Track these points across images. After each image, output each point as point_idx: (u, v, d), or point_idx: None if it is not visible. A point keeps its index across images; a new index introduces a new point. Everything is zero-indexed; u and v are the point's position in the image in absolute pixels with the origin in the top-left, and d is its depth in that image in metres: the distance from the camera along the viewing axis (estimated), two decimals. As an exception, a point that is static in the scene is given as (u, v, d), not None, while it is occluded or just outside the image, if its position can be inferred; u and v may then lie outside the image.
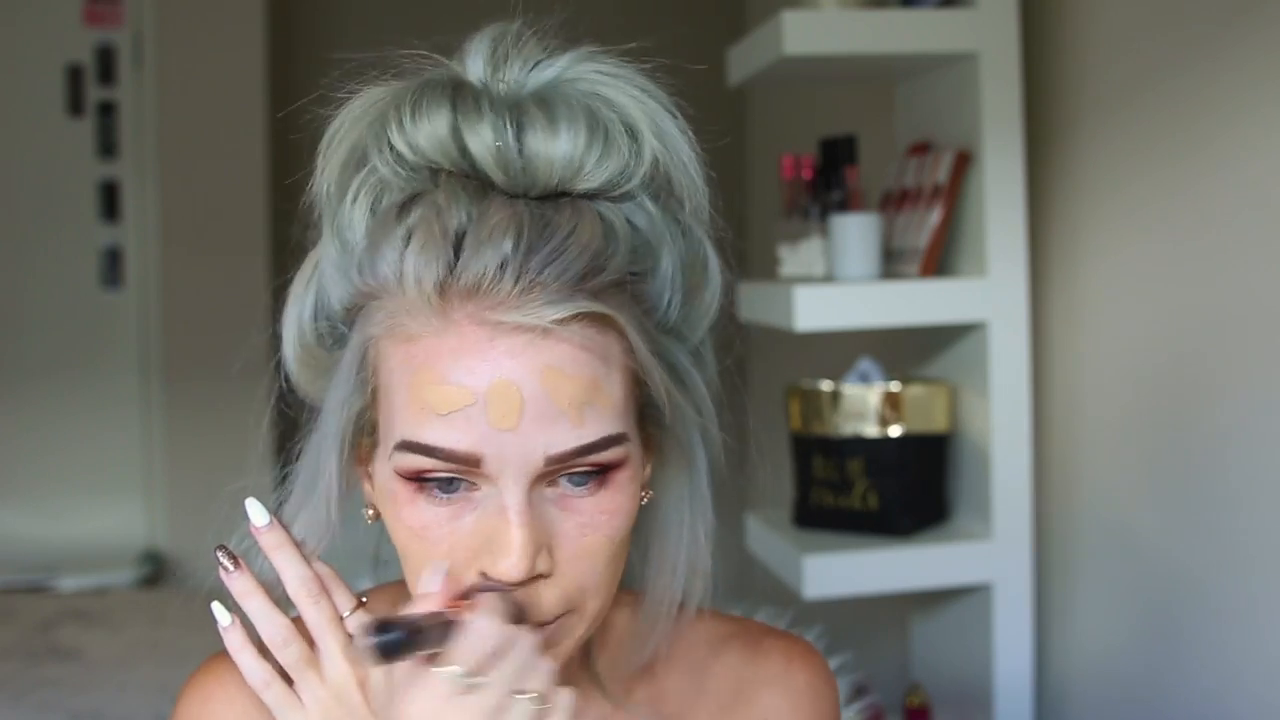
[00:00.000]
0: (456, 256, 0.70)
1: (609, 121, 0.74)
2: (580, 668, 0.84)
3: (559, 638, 0.74)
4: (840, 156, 1.86)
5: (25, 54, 3.39)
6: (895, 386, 1.82)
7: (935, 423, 1.84)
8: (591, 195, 0.74)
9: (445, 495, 0.72)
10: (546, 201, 0.73)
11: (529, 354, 0.70)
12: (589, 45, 0.77)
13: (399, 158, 0.75)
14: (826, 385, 1.85)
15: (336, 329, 0.80)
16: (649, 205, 0.76)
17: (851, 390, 1.83)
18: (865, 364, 1.88)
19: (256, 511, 0.80)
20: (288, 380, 0.84)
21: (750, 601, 1.79)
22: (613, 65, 0.76)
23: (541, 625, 0.73)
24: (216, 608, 0.77)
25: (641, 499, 0.78)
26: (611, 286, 0.73)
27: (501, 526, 0.71)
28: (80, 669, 2.38)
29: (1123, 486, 1.67)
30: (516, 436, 0.70)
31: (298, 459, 0.82)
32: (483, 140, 0.73)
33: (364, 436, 0.77)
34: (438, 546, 0.73)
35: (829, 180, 1.85)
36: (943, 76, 1.86)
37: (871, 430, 1.81)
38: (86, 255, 3.43)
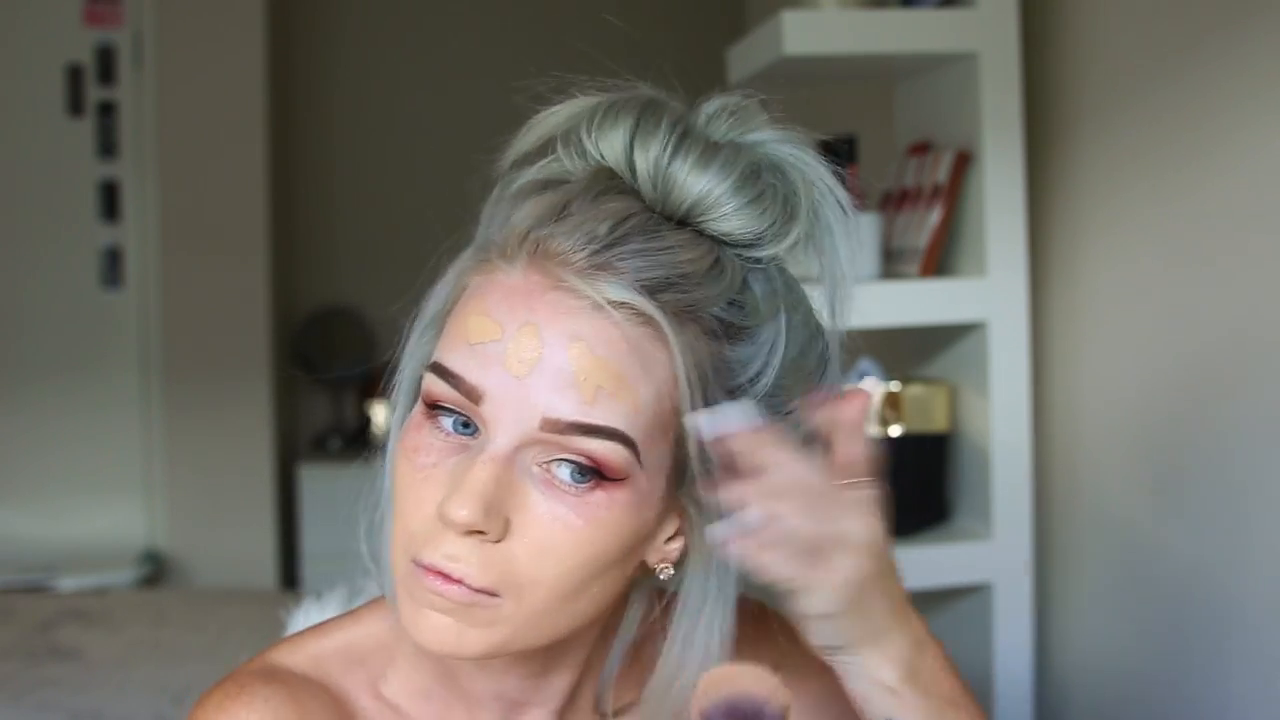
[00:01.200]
0: (556, 222, 0.73)
1: (768, 186, 0.77)
2: (574, 681, 0.83)
3: (475, 618, 0.71)
4: (840, 156, 1.86)
5: (25, 54, 3.39)
6: (895, 386, 1.82)
7: (935, 422, 1.84)
8: (721, 239, 0.76)
9: (449, 431, 0.73)
10: (673, 222, 0.76)
11: (569, 319, 0.71)
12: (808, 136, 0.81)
13: (582, 153, 0.78)
14: (826, 385, 1.85)
15: None
16: (776, 279, 0.78)
17: (851, 390, 1.83)
18: (865, 364, 1.88)
19: (723, 417, 0.73)
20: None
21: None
22: (814, 157, 0.81)
23: (458, 583, 0.71)
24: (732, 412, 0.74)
25: (659, 570, 0.77)
26: (687, 313, 0.73)
27: (468, 471, 0.71)
28: (80, 669, 2.37)
29: (1123, 486, 1.68)
30: (521, 387, 0.70)
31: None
32: (646, 152, 0.76)
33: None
34: (421, 474, 0.73)
35: (829, 180, 1.85)
36: (943, 76, 1.87)
37: (871, 430, 1.81)
38: (86, 255, 3.44)
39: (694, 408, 0.73)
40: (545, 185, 0.78)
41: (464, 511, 0.69)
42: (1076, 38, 1.75)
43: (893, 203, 1.90)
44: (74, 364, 3.44)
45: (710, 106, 0.80)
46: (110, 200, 3.44)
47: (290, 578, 3.60)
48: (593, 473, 0.71)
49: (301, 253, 3.94)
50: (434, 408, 0.73)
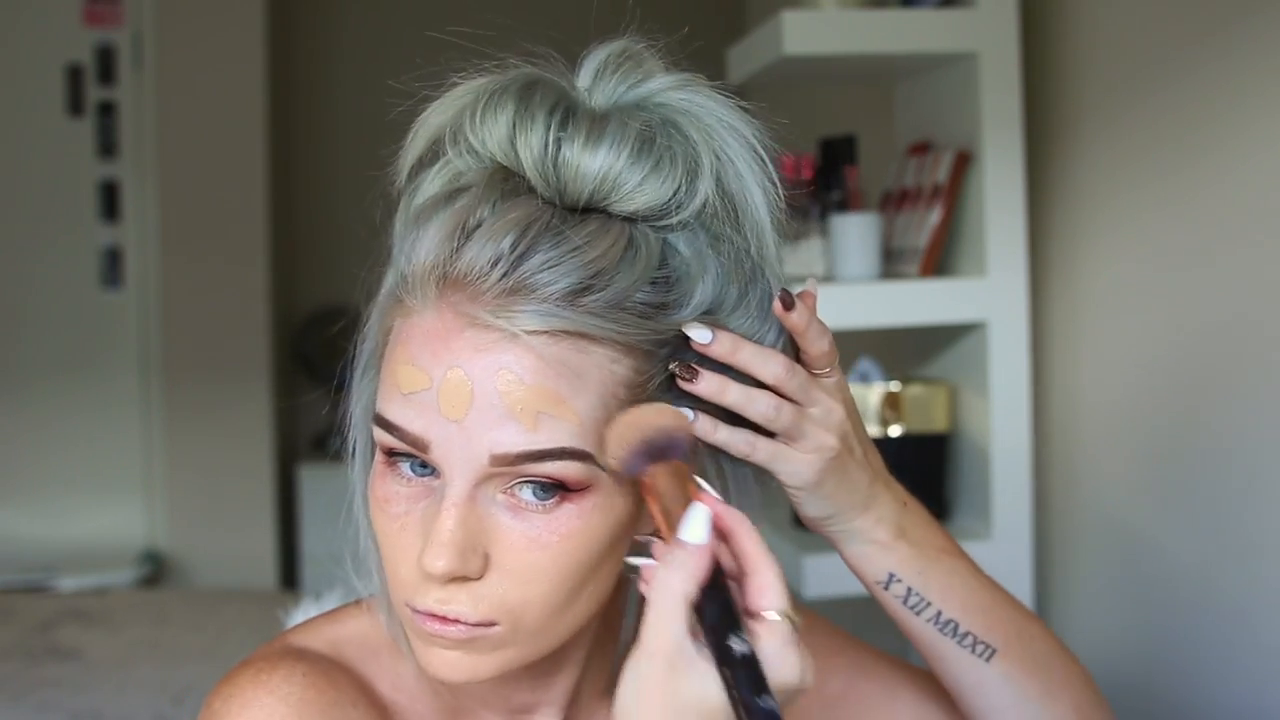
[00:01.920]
0: (463, 244, 0.71)
1: (665, 149, 0.74)
2: (576, 682, 0.83)
3: (480, 647, 0.73)
4: (840, 156, 1.86)
5: (25, 54, 3.39)
6: (895, 386, 1.82)
7: (935, 423, 1.84)
8: (631, 217, 0.74)
9: (411, 475, 0.73)
10: (577, 214, 0.73)
11: (493, 353, 0.70)
12: (697, 74, 0.78)
13: (471, 150, 0.76)
14: (826, 385, 1.85)
15: None
16: (699, 238, 0.76)
17: (851, 390, 1.83)
18: (865, 364, 1.88)
19: (699, 332, 0.75)
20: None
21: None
22: (708, 98, 0.76)
23: (455, 623, 0.71)
24: (696, 330, 0.74)
25: (649, 543, 0.76)
26: (610, 307, 0.71)
27: (437, 520, 0.71)
28: (80, 669, 2.37)
29: (1123, 486, 1.68)
30: (462, 430, 0.70)
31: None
32: (530, 145, 0.74)
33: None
34: (396, 524, 0.73)
35: (829, 180, 1.85)
36: (943, 76, 1.87)
37: (871, 430, 1.81)
38: (86, 255, 3.44)
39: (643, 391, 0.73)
40: (448, 197, 0.75)
41: (440, 563, 0.69)
42: (1076, 38, 1.74)
43: (893, 203, 1.90)
44: (74, 364, 3.44)
45: (590, 67, 0.77)
46: (110, 200, 3.44)
47: (290, 578, 3.60)
48: (555, 488, 0.71)
49: (301, 253, 3.94)
50: (391, 455, 0.74)
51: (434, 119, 0.78)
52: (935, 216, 1.78)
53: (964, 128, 1.80)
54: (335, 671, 0.80)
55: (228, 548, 3.42)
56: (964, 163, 1.78)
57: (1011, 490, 1.77)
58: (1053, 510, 1.82)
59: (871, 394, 1.82)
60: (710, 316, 0.75)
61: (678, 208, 0.74)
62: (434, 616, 0.72)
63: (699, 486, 0.71)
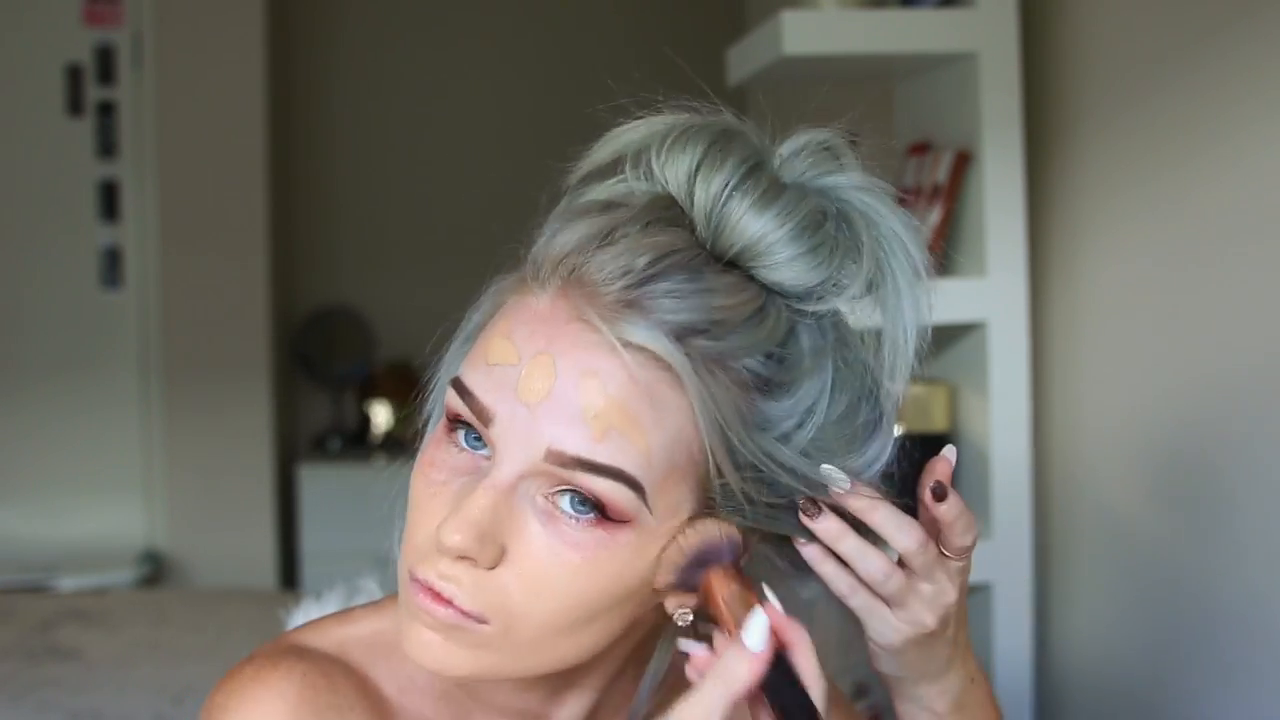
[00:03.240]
0: (604, 246, 0.71)
1: (829, 237, 0.74)
2: (593, 700, 0.82)
3: (462, 639, 0.71)
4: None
5: (25, 54, 3.39)
6: (895, 386, 1.82)
7: (935, 423, 1.84)
8: (771, 288, 0.73)
9: (463, 447, 0.73)
10: (722, 263, 0.73)
11: (586, 354, 0.69)
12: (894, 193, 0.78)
13: (648, 174, 0.76)
14: (826, 385, 1.85)
15: None
16: (827, 333, 0.75)
17: (851, 390, 1.83)
18: (865, 364, 1.88)
19: (838, 477, 0.74)
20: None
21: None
22: (890, 210, 0.77)
23: (447, 604, 0.70)
24: (835, 475, 0.74)
25: (676, 617, 0.74)
26: (715, 361, 0.70)
27: (471, 495, 0.70)
28: (80, 669, 2.38)
29: (1122, 486, 1.68)
30: (530, 416, 0.69)
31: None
32: (708, 184, 0.73)
33: None
34: (430, 489, 0.73)
35: (829, 180, 1.85)
36: (942, 76, 1.87)
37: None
38: (86, 255, 3.44)
39: (715, 458, 0.71)
40: (606, 206, 0.75)
41: (457, 537, 0.69)
42: (1076, 38, 1.75)
43: (893, 203, 1.90)
44: (74, 364, 3.44)
45: (792, 144, 0.77)
46: (110, 200, 3.44)
47: (290, 578, 3.60)
48: (595, 507, 0.70)
49: (301, 253, 3.94)
50: (453, 422, 0.73)
51: (626, 135, 0.78)
52: (935, 216, 1.78)
53: (964, 128, 1.80)
54: (336, 672, 0.79)
55: (228, 548, 3.43)
56: (964, 163, 1.78)
57: (1011, 490, 1.77)
58: (1053, 510, 1.82)
59: (871, 394, 1.82)
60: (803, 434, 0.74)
61: (820, 297, 0.74)
62: (429, 590, 0.71)
63: (763, 595, 0.71)
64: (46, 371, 3.42)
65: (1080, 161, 1.74)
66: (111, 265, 3.46)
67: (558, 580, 0.70)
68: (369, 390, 3.84)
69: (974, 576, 1.85)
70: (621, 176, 0.78)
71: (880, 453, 0.77)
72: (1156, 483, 1.61)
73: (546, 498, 0.70)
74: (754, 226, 0.72)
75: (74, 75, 3.41)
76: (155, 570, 3.36)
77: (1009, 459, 1.77)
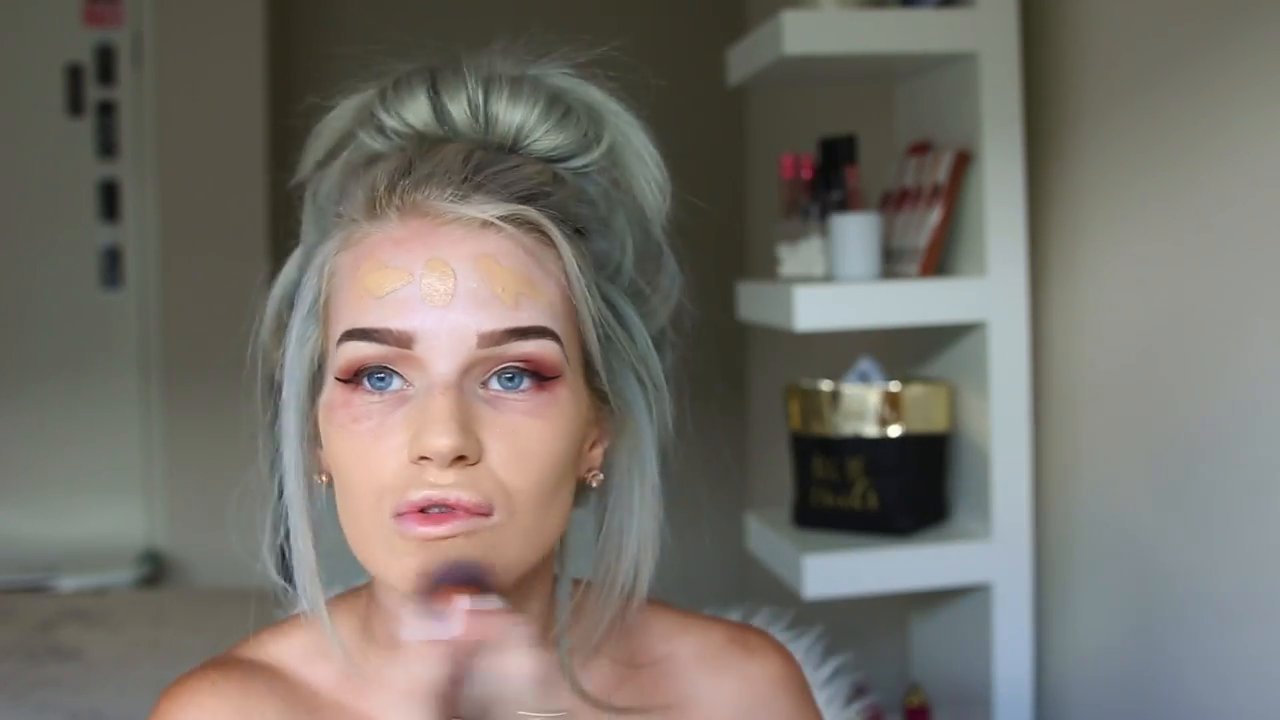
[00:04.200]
0: (407, 174, 0.76)
1: (572, 103, 0.83)
2: (553, 659, 0.82)
3: (479, 545, 0.73)
4: (840, 156, 1.86)
5: (25, 54, 3.39)
6: (895, 386, 1.82)
7: (935, 423, 1.84)
8: (545, 157, 0.81)
9: (379, 392, 0.74)
10: (501, 150, 0.80)
11: (467, 243, 0.74)
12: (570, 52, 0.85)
13: (381, 130, 0.82)
14: (826, 385, 1.85)
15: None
16: (601, 182, 0.83)
17: (851, 390, 1.83)
18: (865, 364, 1.88)
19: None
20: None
21: (751, 602, 1.79)
22: (574, 69, 0.84)
23: (467, 513, 0.72)
24: None
25: (590, 479, 0.80)
26: (554, 216, 0.77)
27: (430, 405, 0.72)
28: (80, 669, 2.37)
29: (1122, 486, 1.67)
30: (449, 314, 0.73)
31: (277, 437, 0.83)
32: (459, 103, 0.81)
33: (316, 379, 0.79)
34: (370, 435, 0.73)
35: (829, 180, 1.85)
36: (943, 76, 1.87)
37: (871, 430, 1.81)
38: (86, 255, 3.43)
39: (584, 302, 0.77)
40: (373, 157, 0.81)
41: (445, 440, 0.71)
42: (1076, 38, 1.74)
43: (893, 203, 1.90)
44: (74, 364, 3.43)
45: (490, 53, 0.84)
46: (110, 200, 3.44)
47: (290, 578, 3.59)
48: (530, 375, 0.74)
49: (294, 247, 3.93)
50: (355, 374, 0.74)
51: (335, 122, 0.85)
52: (935, 216, 1.78)
53: (964, 128, 1.80)
54: (259, 680, 0.82)
55: (228, 548, 3.42)
56: (964, 163, 1.78)
57: (1011, 490, 1.77)
58: (1053, 510, 1.82)
59: (871, 394, 1.81)
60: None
61: (583, 152, 0.82)
62: (428, 513, 0.72)
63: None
64: (46, 371, 3.42)
65: (1080, 161, 1.74)
66: (111, 265, 3.46)
67: (533, 445, 0.74)
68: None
69: (975, 577, 1.87)
70: (355, 143, 0.83)
71: (672, 284, 0.86)
72: (1156, 483, 1.61)
73: (483, 385, 0.74)
74: (516, 113, 0.81)
75: (74, 75, 3.41)
76: (155, 570, 3.35)
77: (1009, 459, 1.77)
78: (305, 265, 0.83)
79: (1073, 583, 1.79)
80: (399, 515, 0.72)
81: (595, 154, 0.82)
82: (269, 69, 3.46)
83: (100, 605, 2.78)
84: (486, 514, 0.72)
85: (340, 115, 0.85)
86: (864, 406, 1.82)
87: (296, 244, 0.88)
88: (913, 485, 1.82)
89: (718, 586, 3.50)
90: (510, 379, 0.74)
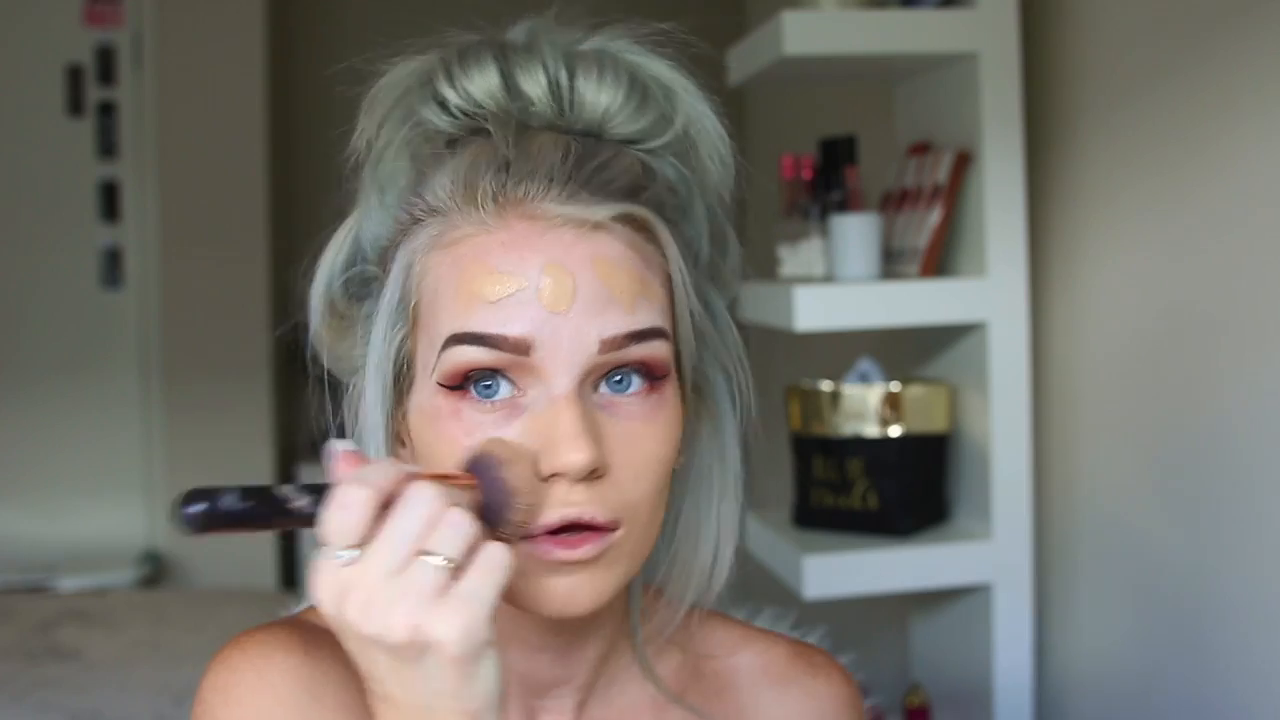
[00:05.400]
0: (507, 169, 0.73)
1: (649, 81, 0.78)
2: (619, 651, 0.82)
3: (608, 560, 0.71)
4: (840, 156, 1.86)
5: (25, 54, 3.39)
6: (895, 386, 1.82)
7: (935, 423, 1.84)
8: (626, 142, 0.78)
9: (489, 399, 0.71)
10: (589, 138, 0.76)
11: (580, 246, 0.71)
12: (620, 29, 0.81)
13: (446, 107, 0.77)
14: (826, 385, 1.85)
15: (367, 274, 0.80)
16: (677, 164, 0.80)
17: (851, 390, 1.83)
18: (865, 364, 1.88)
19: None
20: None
21: (752, 603, 1.79)
22: (646, 47, 0.80)
23: (603, 531, 0.70)
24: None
25: (676, 464, 0.77)
26: (659, 205, 0.75)
27: (556, 418, 0.69)
28: (80, 669, 2.38)
29: (1122, 486, 1.67)
30: (569, 320, 0.70)
31: (338, 426, 0.81)
32: (537, 81, 0.76)
33: (403, 378, 0.76)
34: None
35: (829, 180, 1.85)
36: (943, 76, 1.86)
37: (871, 430, 1.81)
38: (86, 255, 3.43)
39: (682, 293, 0.76)
40: (452, 140, 0.77)
41: (580, 455, 0.68)
42: (1076, 38, 1.74)
43: (893, 203, 1.90)
44: (74, 364, 3.43)
45: (523, 27, 0.80)
46: (110, 200, 3.44)
47: (290, 578, 3.60)
48: (641, 376, 0.72)
49: (301, 253, 3.93)
50: (462, 380, 0.71)
51: (389, 89, 0.80)
52: (935, 216, 1.78)
53: (964, 128, 1.80)
54: (324, 640, 0.77)
55: (228, 548, 3.42)
56: (964, 163, 1.78)
57: (1011, 490, 1.77)
58: (1053, 510, 1.82)
59: (871, 394, 1.81)
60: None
61: (661, 134, 0.78)
62: (561, 536, 0.70)
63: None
64: (46, 371, 3.42)
65: (1080, 161, 1.74)
66: (111, 265, 3.46)
67: (650, 454, 0.72)
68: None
69: (975, 577, 1.87)
70: (414, 119, 0.78)
71: (737, 259, 0.84)
72: (1156, 483, 1.60)
73: (596, 391, 0.72)
74: (603, 96, 0.76)
75: (74, 75, 3.41)
76: (155, 570, 3.35)
77: (1009, 459, 1.77)
78: (368, 251, 0.80)
79: (1073, 583, 1.79)
80: (529, 538, 0.70)
81: (670, 135, 0.79)
82: (269, 69, 3.46)
83: (100, 605, 2.78)
84: (616, 529, 0.71)
85: (398, 83, 0.79)
86: (864, 407, 1.82)
87: (315, 233, 0.84)
88: (913, 485, 1.82)
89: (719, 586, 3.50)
90: (619, 381, 0.72)
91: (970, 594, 1.84)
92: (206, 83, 3.40)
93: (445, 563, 0.62)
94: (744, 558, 2.26)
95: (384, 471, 0.64)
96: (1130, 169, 1.64)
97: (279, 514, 0.64)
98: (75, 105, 3.40)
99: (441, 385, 0.72)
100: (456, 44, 0.79)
